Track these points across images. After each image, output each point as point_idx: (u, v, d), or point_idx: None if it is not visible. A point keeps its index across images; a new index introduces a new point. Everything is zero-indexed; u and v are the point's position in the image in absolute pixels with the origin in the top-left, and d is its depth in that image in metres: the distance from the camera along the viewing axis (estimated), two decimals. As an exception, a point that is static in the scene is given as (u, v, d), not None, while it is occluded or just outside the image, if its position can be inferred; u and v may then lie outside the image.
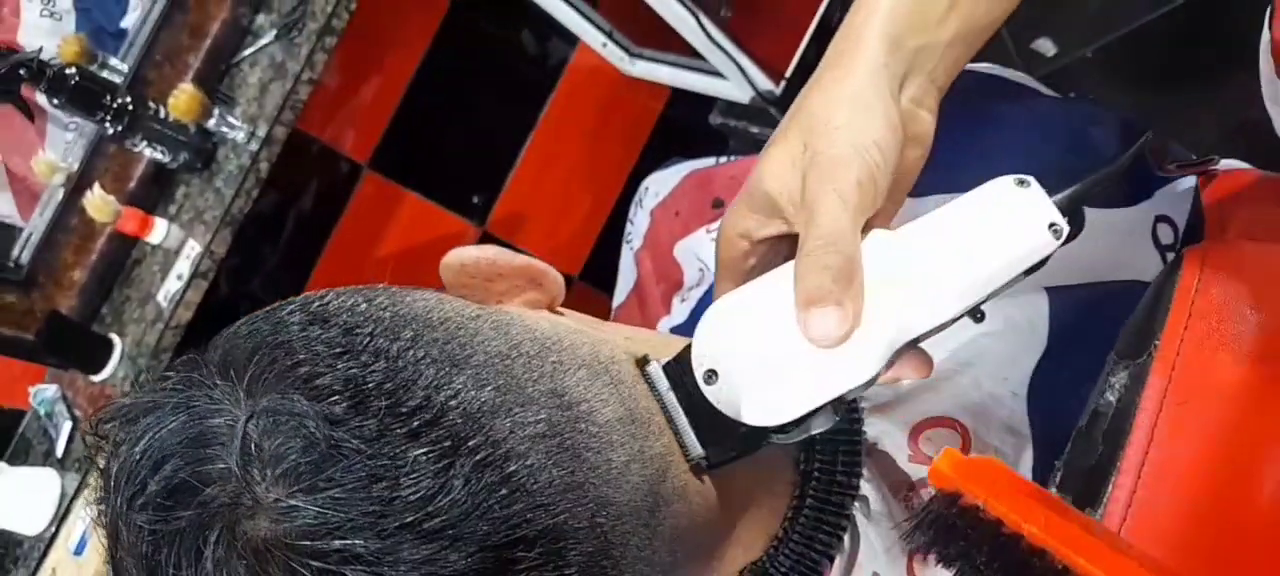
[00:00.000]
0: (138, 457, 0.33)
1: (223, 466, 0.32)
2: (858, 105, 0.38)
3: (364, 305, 0.36)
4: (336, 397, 0.32)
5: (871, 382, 0.37)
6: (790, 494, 0.45)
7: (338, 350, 0.34)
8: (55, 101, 1.37)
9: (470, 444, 0.32)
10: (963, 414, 0.46)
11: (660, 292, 0.76)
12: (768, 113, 1.71)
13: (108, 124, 1.38)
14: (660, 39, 1.76)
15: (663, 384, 0.39)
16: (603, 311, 0.78)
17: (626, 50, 1.89)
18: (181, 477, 0.32)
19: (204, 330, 1.45)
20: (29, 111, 1.40)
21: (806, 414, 0.36)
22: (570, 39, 1.92)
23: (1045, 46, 1.79)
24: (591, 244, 2.04)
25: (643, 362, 0.40)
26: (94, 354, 1.41)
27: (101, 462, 0.35)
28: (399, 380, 0.33)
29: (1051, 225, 0.36)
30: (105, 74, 1.47)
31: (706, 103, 1.92)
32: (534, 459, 0.33)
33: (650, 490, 0.37)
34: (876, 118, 0.37)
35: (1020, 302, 0.48)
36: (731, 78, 1.69)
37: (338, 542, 0.31)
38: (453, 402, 0.33)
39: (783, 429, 0.37)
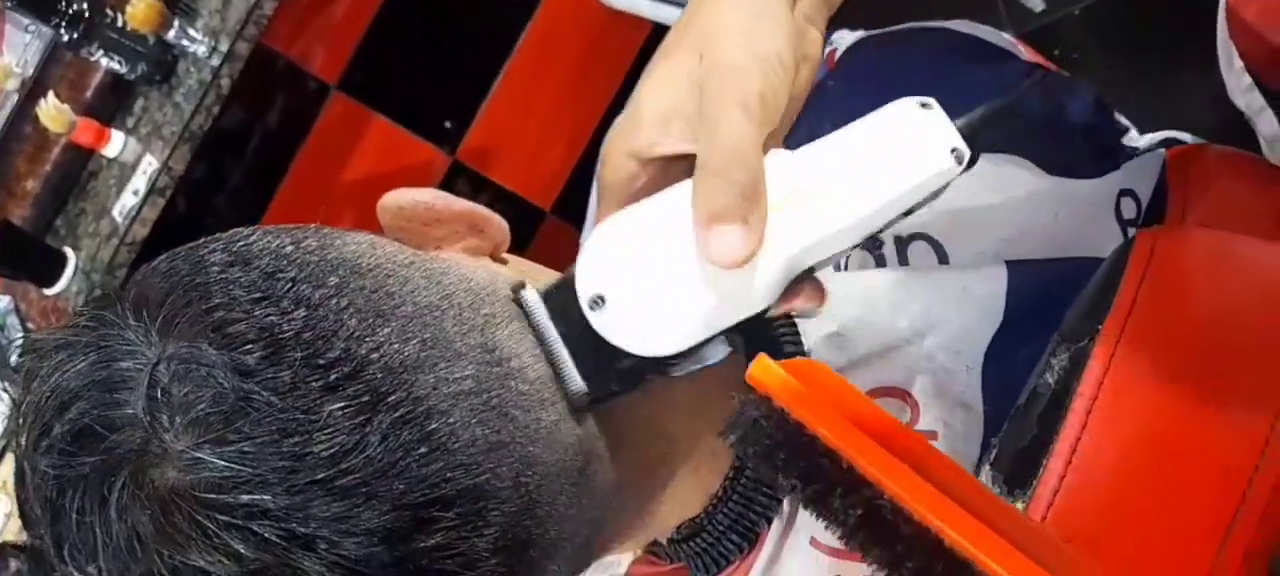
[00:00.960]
0: (45, 397, 0.32)
1: (130, 412, 0.31)
2: (757, 14, 0.35)
3: (290, 248, 0.34)
4: (251, 346, 0.31)
5: (765, 313, 0.35)
6: (732, 454, 0.44)
7: (257, 295, 0.32)
8: (9, 4, 1.32)
9: (390, 399, 0.31)
10: (912, 384, 0.45)
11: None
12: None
13: (63, 30, 1.33)
14: (642, -29, 1.72)
15: (540, 311, 0.36)
16: (572, 248, 0.77)
17: (608, -19, 1.85)
18: (86, 422, 0.31)
19: (161, 247, 1.42)
20: (-21, 12, 1.35)
21: (698, 344, 0.35)
22: (550, -34, 1.87)
23: (1033, 2, 1.76)
24: (566, 178, 2.01)
25: (518, 288, 0.37)
26: (47, 267, 1.39)
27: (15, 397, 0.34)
28: (319, 330, 0.32)
29: (953, 150, 0.35)
30: (62, -24, 1.42)
31: (687, 40, 1.88)
32: (457, 416, 0.32)
33: (580, 449, 0.36)
34: (777, 28, 0.35)
35: (979, 275, 0.47)
36: (713, 16, 1.65)
37: (246, 497, 0.30)
38: (374, 355, 0.32)
39: (673, 359, 0.35)
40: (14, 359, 1.40)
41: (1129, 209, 0.51)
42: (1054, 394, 0.37)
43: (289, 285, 0.33)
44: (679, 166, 0.35)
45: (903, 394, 0.45)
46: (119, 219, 1.39)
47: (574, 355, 0.36)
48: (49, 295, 1.40)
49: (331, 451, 0.30)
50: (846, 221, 0.34)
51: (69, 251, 1.41)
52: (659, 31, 2.04)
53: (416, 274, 0.36)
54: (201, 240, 0.36)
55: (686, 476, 0.43)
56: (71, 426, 0.31)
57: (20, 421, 0.33)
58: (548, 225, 2.00)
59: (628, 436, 0.39)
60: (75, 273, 1.40)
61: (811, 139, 0.37)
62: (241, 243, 0.35)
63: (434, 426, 0.32)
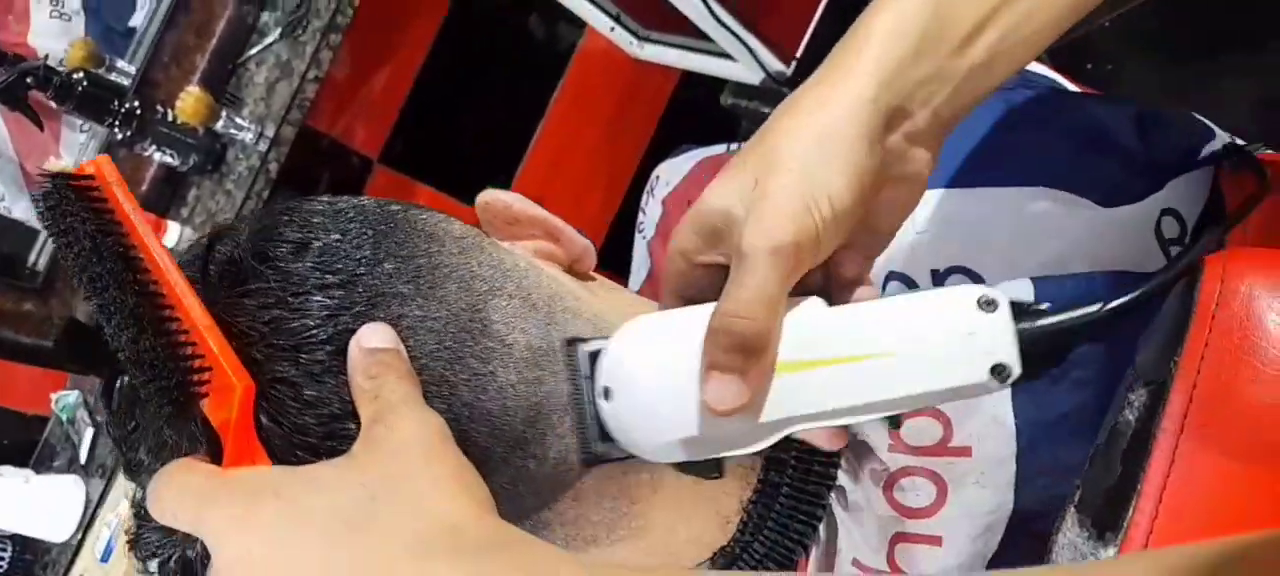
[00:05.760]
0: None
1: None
2: (822, 147, 0.35)
3: (374, 206, 0.40)
4: (285, 245, 0.38)
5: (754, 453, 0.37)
6: (748, 479, 0.44)
7: (328, 221, 0.39)
8: (63, 107, 1.37)
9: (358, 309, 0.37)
10: (945, 403, 0.45)
11: (674, 282, 0.76)
12: (780, 93, 1.68)
13: (117, 129, 1.38)
14: (668, 21, 1.74)
15: (585, 369, 0.39)
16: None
17: (634, 34, 1.87)
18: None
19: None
20: (37, 119, 1.40)
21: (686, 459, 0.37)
22: (578, 24, 1.90)
23: (1062, 14, 1.75)
24: (606, 229, 2.03)
25: (572, 342, 0.40)
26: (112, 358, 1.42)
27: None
28: (338, 252, 0.38)
29: (996, 367, 0.32)
30: (113, 77, 1.47)
31: (718, 84, 1.90)
32: (415, 342, 0.37)
33: (532, 413, 0.38)
34: (839, 166, 0.34)
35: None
36: (741, 59, 1.67)
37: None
38: (367, 276, 0.37)
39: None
40: (84, 453, 1.44)
41: (1171, 228, 0.50)
42: (1136, 432, 0.36)
43: (349, 222, 0.39)
44: (725, 275, 0.36)
45: (935, 413, 0.45)
46: (179, 307, 1.42)
47: (594, 416, 0.38)
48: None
49: (310, 335, 0.36)
50: (857, 403, 0.34)
51: (133, 342, 1.45)
52: (688, 78, 2.07)
53: (450, 244, 0.40)
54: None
55: (683, 497, 0.43)
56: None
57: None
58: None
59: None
60: (140, 363, 1.43)
61: None
62: (347, 199, 0.41)
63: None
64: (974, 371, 0.32)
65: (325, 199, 0.41)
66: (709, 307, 0.35)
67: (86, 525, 1.37)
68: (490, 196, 0.44)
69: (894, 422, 0.35)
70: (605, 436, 0.38)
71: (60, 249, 0.38)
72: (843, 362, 0.34)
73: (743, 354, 0.33)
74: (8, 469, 1.43)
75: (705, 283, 0.38)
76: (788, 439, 0.44)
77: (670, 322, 0.37)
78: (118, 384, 0.40)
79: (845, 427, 0.37)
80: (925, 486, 0.45)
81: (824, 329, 0.35)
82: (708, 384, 0.34)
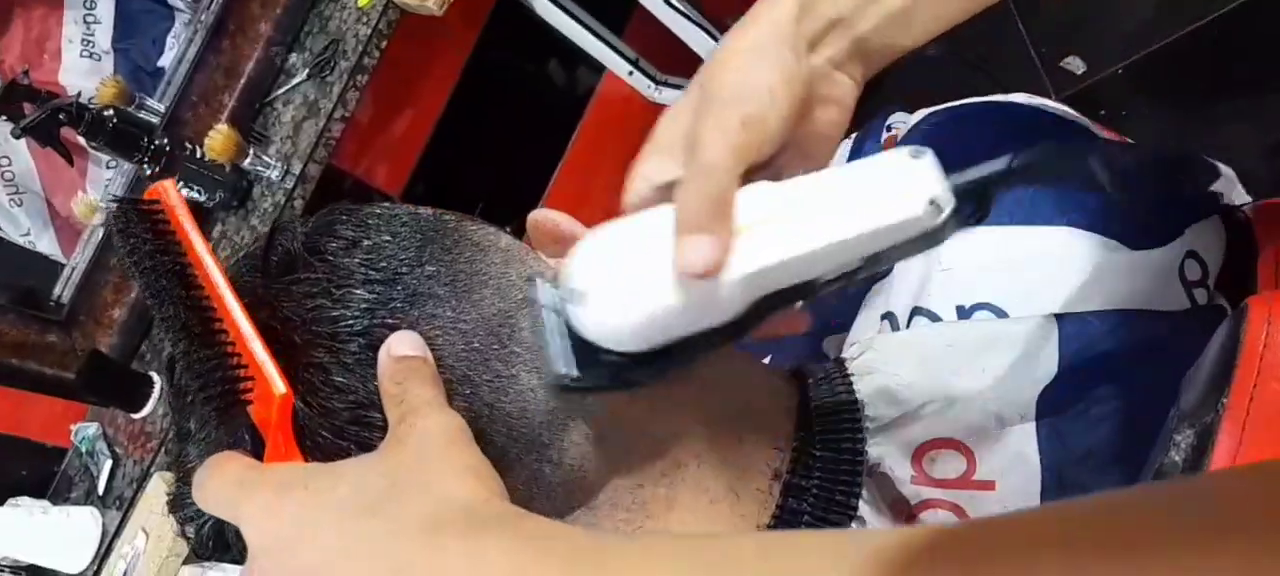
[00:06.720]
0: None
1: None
2: (754, 53, 0.39)
3: (429, 214, 0.42)
4: (337, 242, 0.41)
5: (733, 328, 0.38)
6: (765, 504, 0.44)
7: (381, 222, 0.41)
8: (94, 144, 1.39)
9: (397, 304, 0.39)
10: (969, 436, 0.46)
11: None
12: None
13: (145, 165, 1.40)
14: (686, 66, 1.77)
15: (545, 295, 0.39)
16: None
17: (652, 78, 1.90)
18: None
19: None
20: (68, 155, 1.42)
21: (665, 348, 0.37)
22: (597, 68, 1.93)
23: (1075, 65, 1.78)
24: (621, 270, 2.04)
25: (530, 279, 0.41)
26: (134, 392, 1.43)
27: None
28: (383, 251, 0.40)
29: (932, 200, 0.35)
30: (143, 115, 1.49)
31: (734, 128, 1.92)
32: (443, 341, 0.38)
33: (551, 421, 0.39)
34: (770, 66, 0.38)
35: (1032, 327, 0.47)
36: (760, 104, 1.69)
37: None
38: (408, 276, 0.39)
39: (642, 360, 0.37)
40: (102, 484, 1.44)
41: (1193, 271, 0.51)
42: (1184, 472, 0.37)
43: (401, 226, 0.41)
44: None
45: (958, 445, 0.46)
46: (201, 341, 1.43)
47: (565, 344, 0.38)
48: (136, 419, 1.44)
49: (347, 325, 0.39)
50: (810, 248, 0.36)
51: (154, 375, 1.46)
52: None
53: (494, 254, 0.41)
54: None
55: (702, 509, 0.43)
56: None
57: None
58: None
59: (608, 433, 0.41)
60: (161, 396, 1.44)
61: None
62: (404, 206, 0.43)
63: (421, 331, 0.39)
64: (912, 206, 0.35)
65: (384, 204, 0.43)
66: (667, 207, 0.37)
67: (102, 557, 1.37)
68: (540, 215, 0.45)
69: (855, 277, 0.38)
70: (584, 360, 0.38)
71: (128, 267, 0.41)
72: (795, 218, 0.36)
73: (707, 213, 0.35)
74: (25, 499, 1.43)
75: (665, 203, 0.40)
76: (809, 458, 0.44)
77: (635, 221, 0.38)
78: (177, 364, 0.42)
79: (803, 316, 0.38)
80: (948, 520, 0.45)
81: (774, 196, 0.37)
82: (683, 246, 0.35)
